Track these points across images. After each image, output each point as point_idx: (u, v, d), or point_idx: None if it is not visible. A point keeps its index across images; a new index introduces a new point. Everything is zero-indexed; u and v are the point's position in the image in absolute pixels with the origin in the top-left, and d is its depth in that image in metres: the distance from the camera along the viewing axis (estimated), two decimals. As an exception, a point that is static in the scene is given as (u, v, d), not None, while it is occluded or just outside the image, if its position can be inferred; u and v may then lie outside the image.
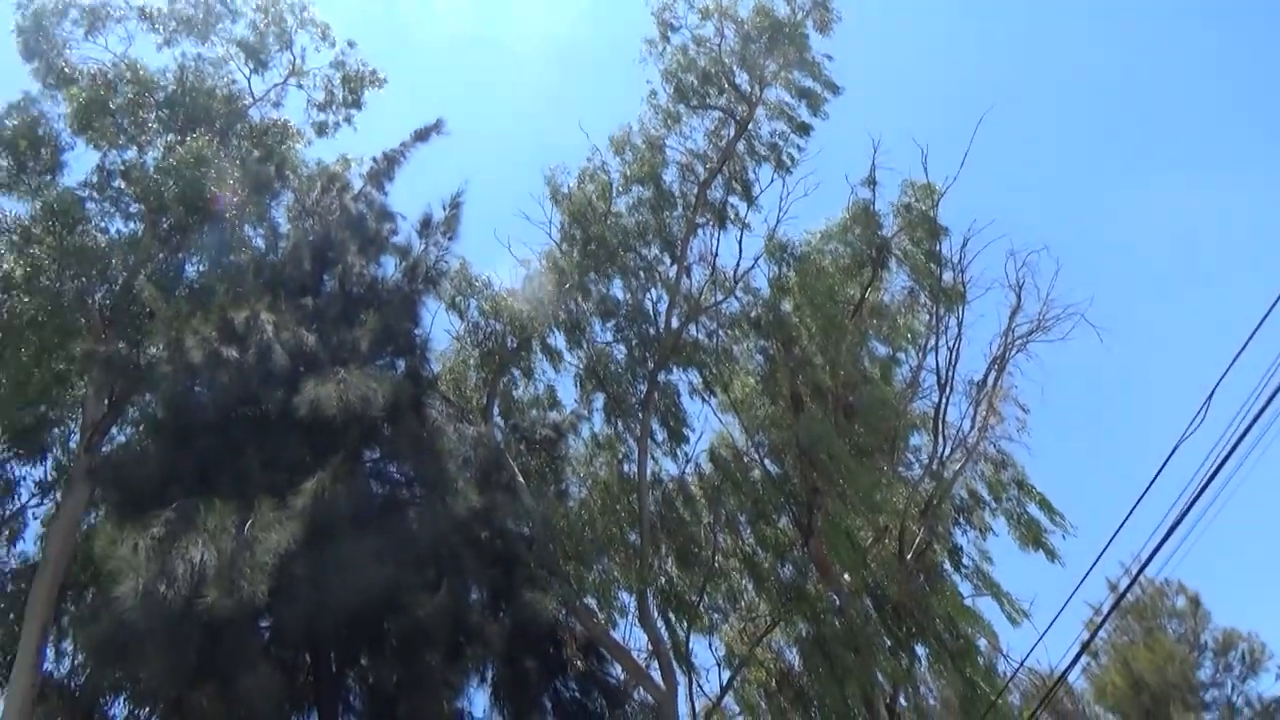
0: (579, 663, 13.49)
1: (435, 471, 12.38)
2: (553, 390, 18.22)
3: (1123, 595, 14.98)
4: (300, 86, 18.62)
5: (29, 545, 13.73)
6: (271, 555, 8.84)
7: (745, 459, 17.98)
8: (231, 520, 9.20)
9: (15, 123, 14.59)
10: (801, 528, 16.57)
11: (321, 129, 18.66)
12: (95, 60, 16.30)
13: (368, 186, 15.75)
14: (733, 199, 18.74)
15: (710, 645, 17.45)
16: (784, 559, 17.19)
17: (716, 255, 18.44)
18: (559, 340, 17.82)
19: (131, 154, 15.65)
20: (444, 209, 15.59)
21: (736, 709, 17.80)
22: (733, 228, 18.49)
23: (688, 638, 15.63)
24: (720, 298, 18.30)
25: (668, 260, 18.41)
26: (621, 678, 14.31)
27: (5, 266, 13.25)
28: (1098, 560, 7.75)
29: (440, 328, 17.06)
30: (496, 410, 16.82)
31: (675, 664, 14.65)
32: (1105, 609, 18.10)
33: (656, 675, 14.31)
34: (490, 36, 37.19)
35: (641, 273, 18.29)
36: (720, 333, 18.53)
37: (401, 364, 13.58)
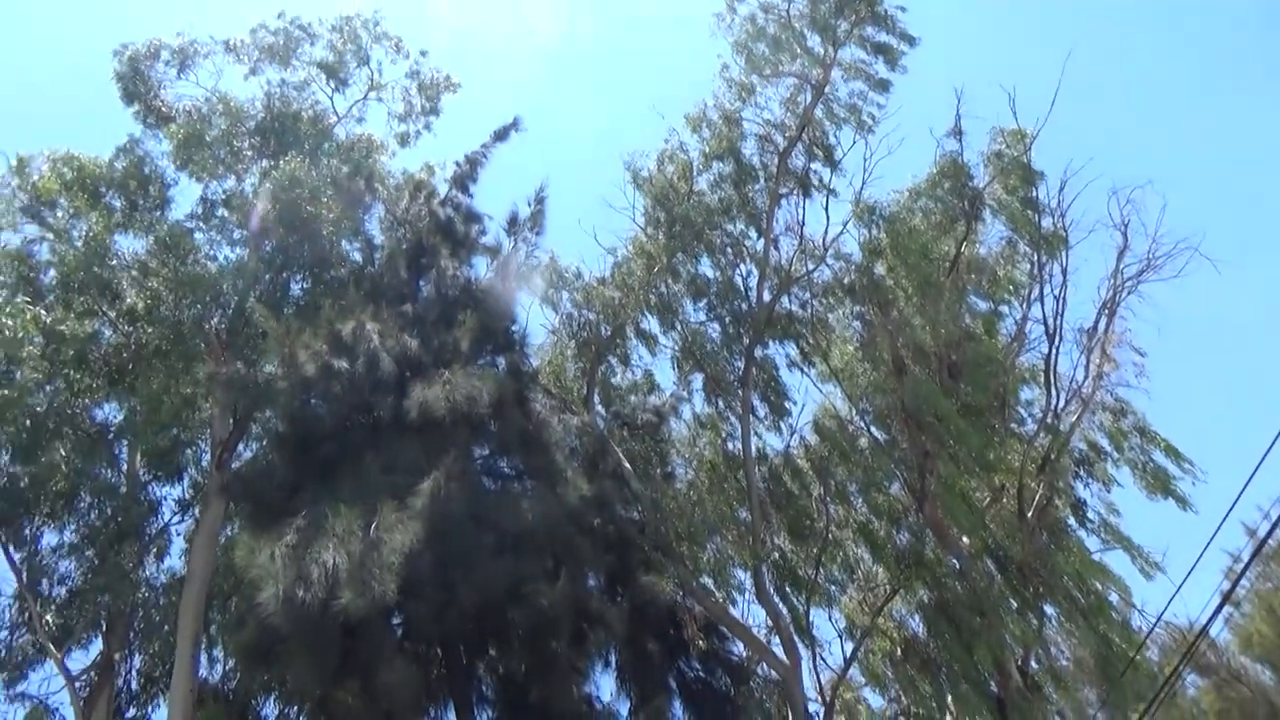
0: (700, 642, 13.59)
1: (544, 463, 12.61)
2: (650, 374, 18.32)
3: (1264, 541, 14.14)
4: (380, 100, 19.17)
5: (175, 561, 14.59)
6: (397, 555, 9.15)
7: (850, 428, 17.71)
8: (357, 524, 9.56)
9: (124, 164, 15.40)
10: (914, 492, 16.23)
11: (404, 139, 19.20)
12: (189, 97, 17.12)
13: (453, 190, 16.10)
14: (815, 165, 18.39)
15: (830, 618, 17.31)
16: (899, 526, 16.88)
17: (803, 224, 18.17)
18: (652, 324, 17.88)
19: (230, 183, 16.37)
20: (529, 205, 15.87)
21: (862, 680, 17.65)
22: (817, 195, 18.15)
23: (807, 611, 15.52)
24: (811, 267, 18.01)
25: (754, 234, 18.23)
26: (744, 655, 14.35)
27: (128, 300, 14.03)
28: (1234, 505, 7.36)
29: (535, 322, 17.36)
30: (597, 399, 16.99)
31: (796, 638, 14.57)
32: (1245, 556, 17.19)
33: (778, 650, 14.28)
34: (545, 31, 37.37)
35: (729, 249, 18.15)
36: (814, 302, 18.27)
37: (502, 361, 13.87)
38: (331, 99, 18.36)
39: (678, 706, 12.65)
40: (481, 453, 12.92)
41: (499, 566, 10.07)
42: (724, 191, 18.41)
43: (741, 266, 18.12)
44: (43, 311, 12.37)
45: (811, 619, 15.81)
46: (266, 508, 11.09)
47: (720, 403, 17.87)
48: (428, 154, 19.28)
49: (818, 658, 16.16)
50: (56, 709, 13.09)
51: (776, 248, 18.03)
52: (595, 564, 12.23)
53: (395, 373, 11.90)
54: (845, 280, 18.00)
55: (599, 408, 16.95)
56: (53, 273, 14.33)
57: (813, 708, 14.69)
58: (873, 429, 17.36)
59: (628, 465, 15.13)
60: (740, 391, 16.88)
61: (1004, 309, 18.76)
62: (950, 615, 14.85)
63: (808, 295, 18.25)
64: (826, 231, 17.85)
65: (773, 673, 14.46)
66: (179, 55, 17.26)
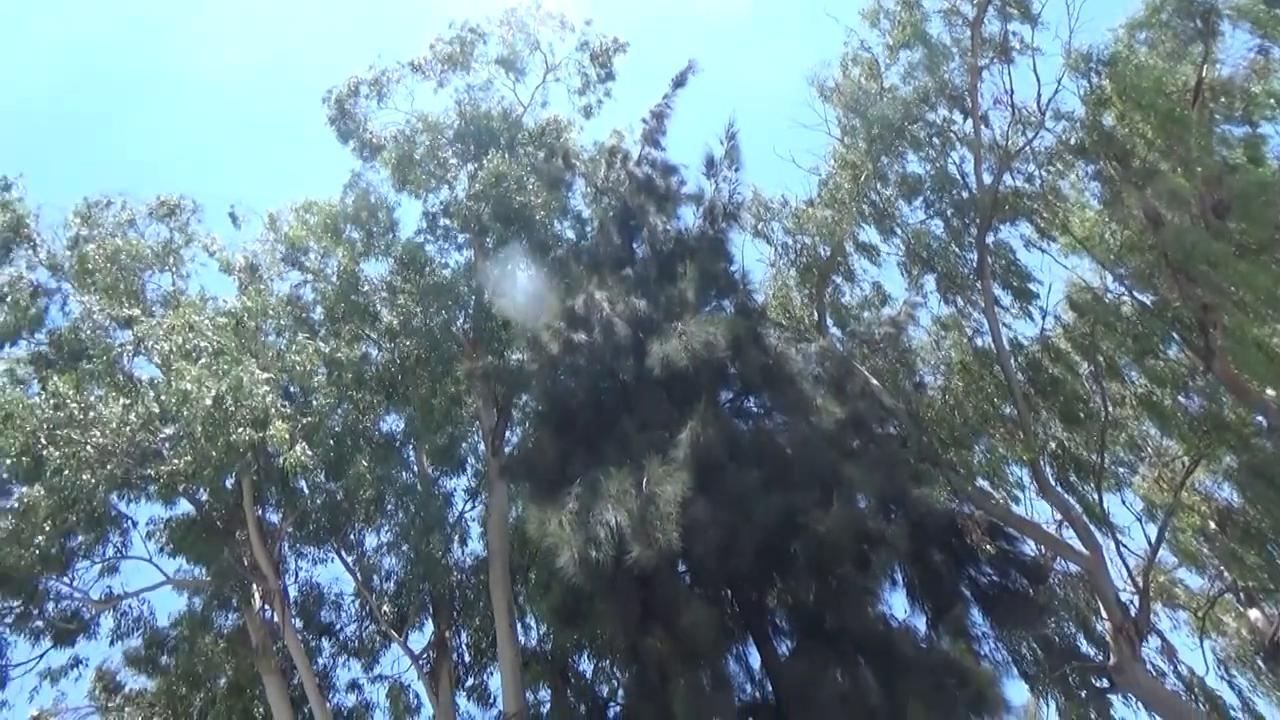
0: (987, 547, 13.14)
1: (791, 394, 12.59)
2: (879, 287, 17.77)
3: None
4: (558, 80, 19.64)
5: (475, 544, 16.01)
6: (672, 505, 9.49)
7: (1108, 297, 16.34)
8: (628, 482, 9.99)
9: (353, 198, 16.81)
10: (1198, 351, 14.73)
11: (587, 111, 19.56)
12: (392, 123, 18.34)
13: (645, 148, 16.24)
14: (1012, 26, 16.91)
15: (1123, 501, 16.20)
16: (1186, 391, 15.44)
17: (1012, 93, 16.78)
18: (870, 234, 17.30)
19: (444, 193, 17.44)
20: (721, 144, 15.73)
21: (1174, 561, 16.39)
22: (1021, 58, 16.69)
23: (1100, 499, 14.58)
24: (1030, 136, 16.66)
25: (959, 116, 17.09)
26: (1037, 553, 13.75)
27: (384, 319, 15.38)
28: None
29: (752, 258, 17.27)
30: (830, 322, 16.72)
31: (1092, 527, 13.74)
32: None
33: (1074, 543, 13.54)
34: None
35: (935, 139, 17.15)
36: (1041, 173, 16.92)
37: (728, 303, 13.93)
38: (514, 90, 19.04)
39: (976, 614, 12.35)
40: (728, 396, 13.10)
41: (770, 502, 10.20)
42: (917, 80, 17.35)
43: (953, 154, 17.09)
44: (320, 343, 13.83)
45: (1104, 505, 14.87)
46: (543, 482, 11.83)
47: (959, 300, 17.04)
48: (613, 119, 19.60)
49: (1118, 545, 15.18)
50: (408, 685, 14.91)
51: (987, 125, 16.83)
52: (863, 485, 12.06)
53: (631, 335, 12.27)
54: (1071, 141, 16.52)
55: (833, 330, 16.67)
56: (319, 309, 15.96)
57: (1124, 597, 13.84)
58: (1135, 293, 15.92)
59: (875, 382, 14.79)
60: (978, 283, 16.00)
61: (1266, 129, 16.49)
62: (1267, 476, 13.45)
63: (1032, 167, 16.94)
64: (1040, 94, 16.43)
65: (1072, 566, 13.76)
66: (375, 86, 18.50)
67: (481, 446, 15.26)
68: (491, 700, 14.82)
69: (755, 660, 11.14)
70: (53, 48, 35.10)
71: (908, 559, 11.74)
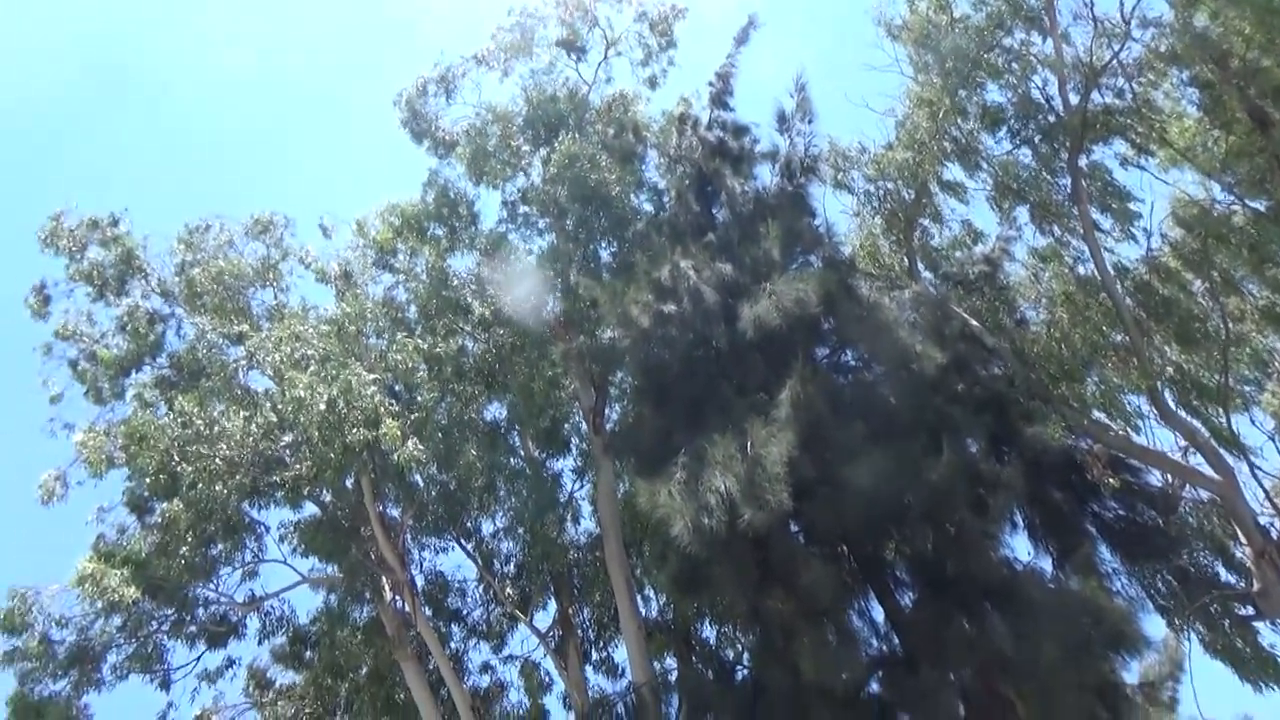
0: (1110, 480, 12.73)
1: (888, 344, 12.37)
2: (969, 225, 17.22)
3: None
4: (619, 54, 19.53)
5: (588, 522, 16.32)
6: (780, 466, 9.48)
7: (1216, 209, 15.48)
8: (733, 447, 10.02)
9: (433, 196, 17.16)
10: (1323, 254, 13.89)
11: (652, 82, 19.38)
12: (463, 117, 18.58)
13: (714, 111, 16.07)
14: (1084, -66, 16.04)
15: (1253, 421, 15.39)
16: (1312, 299, 14.58)
17: (1092, 5, 15.96)
18: (955, 171, 16.74)
19: (520, 180, 17.62)
20: (791, 97, 15.44)
21: (1317, 475, 15.51)
22: (1098, -34, 15.85)
23: (1228, 420, 13.90)
24: (1116, 48, 15.83)
25: (1038, 37, 16.35)
26: (1163, 483, 13.24)
27: (476, 311, 15.71)
28: None
29: (835, 211, 16.96)
30: (921, 266, 16.33)
31: (1222, 450, 13.14)
32: None
33: (1204, 469, 12.98)
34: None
35: (1014, 64, 16.45)
36: (1131, 86, 16.07)
37: (815, 258, 13.75)
38: (577, 70, 19.01)
39: (1104, 551, 12.00)
40: (823, 352, 12.97)
41: (878, 454, 10.08)
42: (989, 5, 16.66)
43: (1035, 78, 16.37)
44: (418, 341, 14.24)
45: (1233, 427, 14.16)
46: (648, 456, 11.97)
47: (1055, 229, 16.41)
48: (678, 86, 19.39)
49: (1252, 467, 14.46)
50: (538, 663, 15.36)
51: (1068, 43, 16.05)
52: (973, 429, 11.83)
53: (720, 300, 12.23)
54: (1161, 48, 15.63)
55: (926, 274, 16.27)
56: (412, 307, 16.40)
57: (1263, 520, 13.21)
58: (1246, 201, 15.04)
59: (974, 323, 14.40)
60: (1074, 209, 15.36)
61: (1382, 7, 15.26)
62: None
63: (1121, 81, 16.09)
64: (1122, 3, 15.58)
65: (1203, 493, 13.20)
66: (442, 83, 18.74)
67: (584, 426, 15.50)
68: (620, 671, 15.15)
69: (879, 614, 11.08)
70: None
71: (1026, 500, 11.49)
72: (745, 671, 12.31)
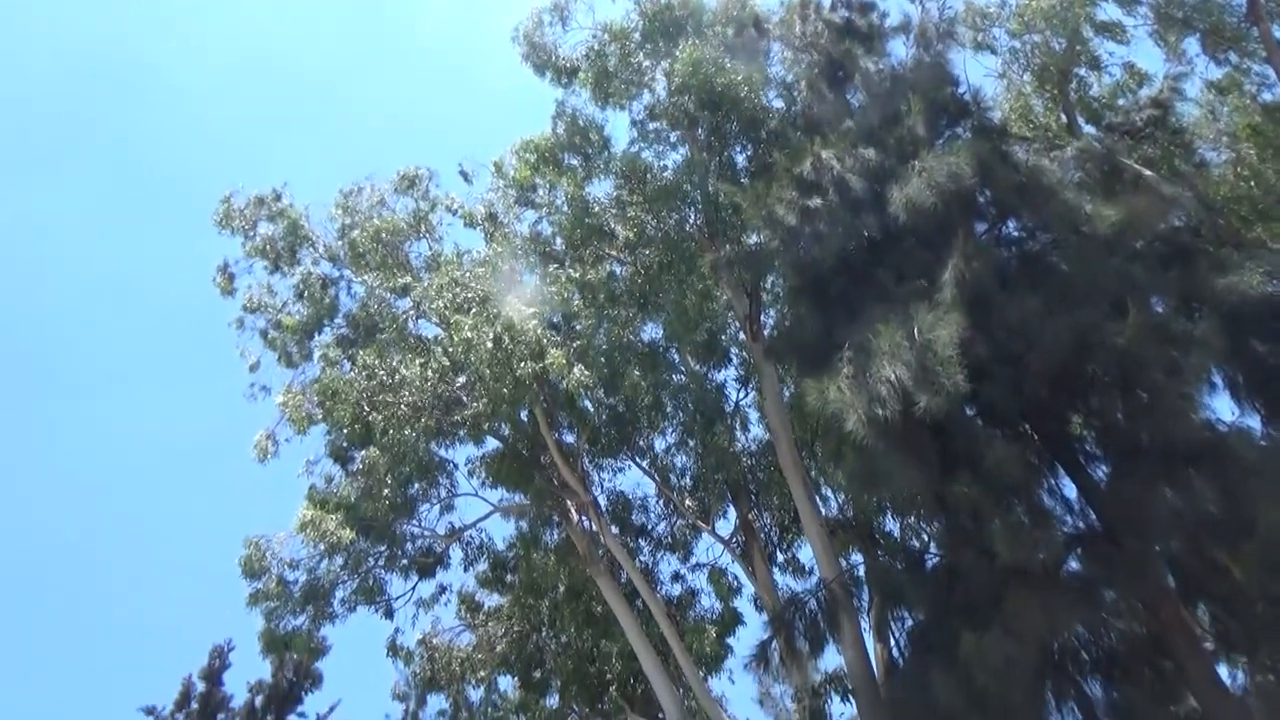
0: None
1: (1054, 208, 11.64)
2: (1131, 67, 15.82)
3: None
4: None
5: (756, 429, 16.47)
6: (951, 347, 9.20)
7: None
8: (899, 335, 9.77)
9: (563, 126, 17.22)
10: None
11: (766, -30, 18.60)
12: (580, 42, 18.42)
13: (836, -9, 15.30)
14: None
15: None
16: None
17: None
18: (1110, 10, 15.36)
19: (646, 97, 17.41)
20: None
21: None
22: None
23: None
24: None
25: None
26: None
27: (620, 235, 15.84)
28: None
29: (979, 75, 15.92)
30: (1081, 121, 15.18)
31: None
32: None
33: None
34: None
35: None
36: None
37: (963, 129, 13.01)
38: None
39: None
40: (983, 227, 12.36)
41: (1055, 325, 9.61)
42: None
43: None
44: (569, 271, 14.56)
45: None
46: (810, 355, 11.84)
47: (1231, 56, 14.83)
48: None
49: None
50: (725, 568, 15.82)
51: None
52: (1159, 287, 11.06)
53: (867, 187, 11.82)
54: None
55: (1087, 129, 15.12)
56: (558, 240, 16.70)
57: None
58: None
59: (1148, 173, 13.32)
60: (1253, 30, 13.82)
61: None
62: None
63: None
64: None
65: None
66: (556, 11, 18.59)
67: (741, 335, 15.50)
68: (806, 570, 15.40)
69: (1070, 491, 10.71)
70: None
71: (1226, 356, 10.69)
72: (935, 560, 12.23)
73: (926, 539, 13.45)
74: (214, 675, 31.54)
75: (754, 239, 14.41)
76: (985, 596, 9.30)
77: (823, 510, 14.25)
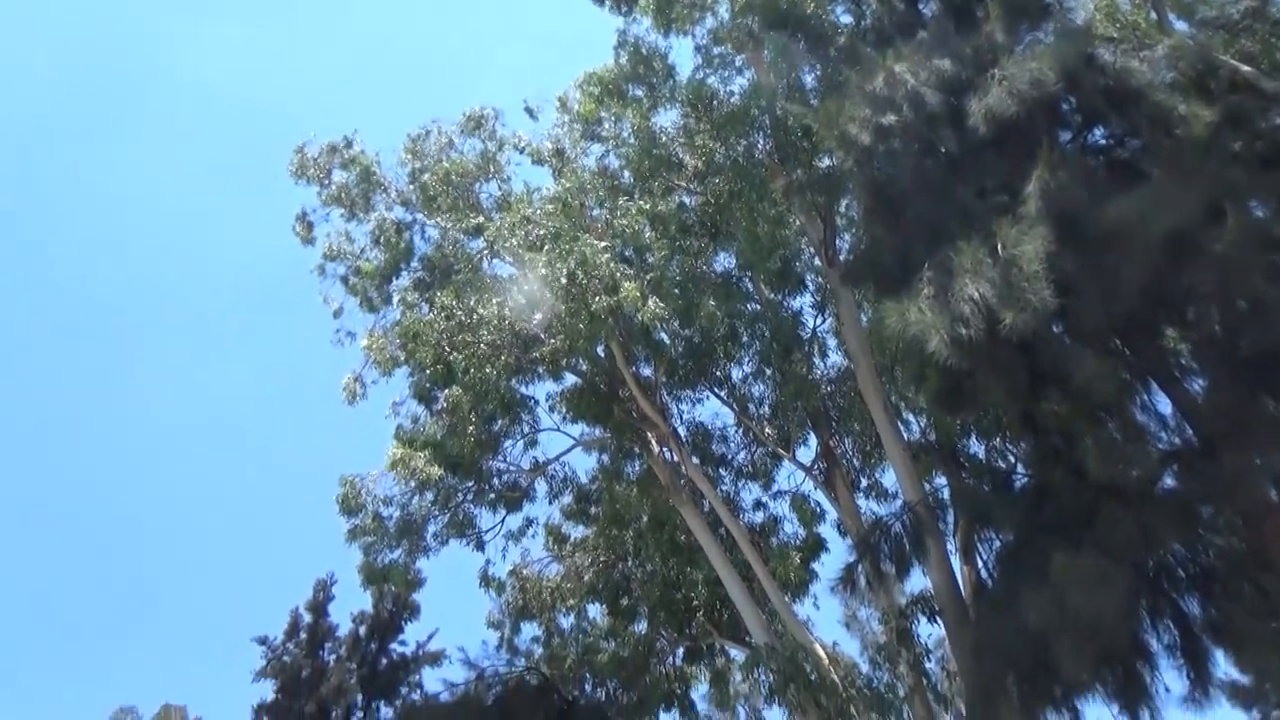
0: None
1: (1144, 112, 11.08)
2: (1229, -47, 14.70)
3: None
4: None
5: (834, 356, 16.33)
6: (1037, 263, 8.92)
7: None
8: (981, 252, 9.51)
9: (625, 57, 16.97)
10: None
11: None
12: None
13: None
14: None
15: None
16: None
17: None
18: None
19: (709, 20, 16.97)
20: None
21: None
22: None
23: None
24: None
25: None
26: None
27: (688, 164, 15.65)
28: None
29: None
30: (1172, 17, 14.25)
31: None
32: None
33: None
34: None
35: None
36: None
37: (1044, 33, 12.38)
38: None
39: None
40: (1068, 135, 11.84)
41: (1147, 234, 9.21)
42: None
43: None
44: (639, 203, 14.48)
45: None
46: (888, 278, 11.60)
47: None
48: None
49: None
50: (808, 495, 15.87)
51: None
52: (1257, 190, 10.49)
53: (943, 100, 11.37)
54: None
55: (1179, 25, 14.20)
56: (626, 172, 16.59)
57: None
58: None
59: (1246, 69, 12.49)
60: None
61: None
62: None
63: None
64: None
65: None
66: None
67: (816, 260, 15.27)
68: (890, 495, 15.34)
69: (1165, 406, 10.39)
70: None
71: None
72: (1023, 481, 12.06)
73: (1013, 460, 13.26)
74: (319, 607, 33.24)
75: (826, 161, 14.09)
76: (1077, 516, 9.16)
77: (905, 435, 14.11)
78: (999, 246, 9.38)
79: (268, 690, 31.54)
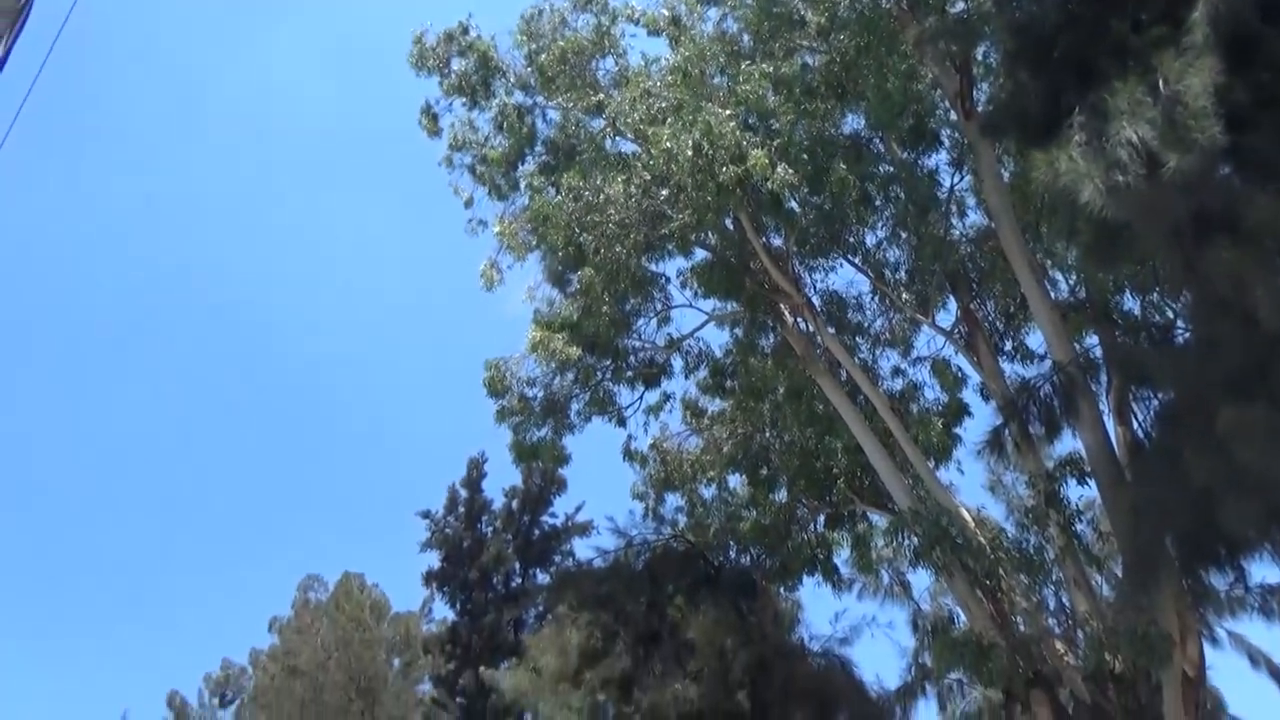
0: None
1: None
2: None
3: None
4: None
5: (973, 215, 15.58)
6: (1204, 97, 8.15)
7: None
8: (1139, 90, 8.76)
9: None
10: None
11: None
12: None
13: None
14: None
15: None
16: None
17: None
18: None
19: None
20: None
21: None
22: None
23: None
24: None
25: None
26: None
27: (811, 20, 14.84)
28: None
29: None
30: None
31: None
32: None
33: None
34: None
35: None
36: None
37: None
38: None
39: None
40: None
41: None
42: None
43: None
44: (761, 67, 13.92)
45: None
46: (1032, 127, 10.85)
47: None
48: None
49: None
50: (948, 360, 15.47)
51: None
52: None
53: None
54: None
55: None
56: (745, 37, 15.90)
57: None
58: None
59: None
60: None
61: None
62: None
63: None
64: None
65: None
66: None
67: (951, 114, 14.36)
68: (1036, 356, 14.77)
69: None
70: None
71: None
72: (1183, 335, 11.40)
73: (1173, 315, 12.52)
74: (474, 484, 35.45)
75: (960, 5, 13.10)
76: (1246, 369, 8.62)
77: (1052, 293, 13.45)
78: (1160, 82, 8.60)
79: (433, 560, 34.27)
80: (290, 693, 26.71)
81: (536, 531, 34.49)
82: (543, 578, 33.11)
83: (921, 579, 16.93)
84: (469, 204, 16.93)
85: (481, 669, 29.22)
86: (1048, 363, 12.83)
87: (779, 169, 12.28)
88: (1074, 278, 14.01)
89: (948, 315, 15.13)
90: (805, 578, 17.45)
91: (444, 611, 33.82)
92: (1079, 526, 13.26)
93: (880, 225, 15.34)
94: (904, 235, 14.76)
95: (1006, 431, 11.87)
